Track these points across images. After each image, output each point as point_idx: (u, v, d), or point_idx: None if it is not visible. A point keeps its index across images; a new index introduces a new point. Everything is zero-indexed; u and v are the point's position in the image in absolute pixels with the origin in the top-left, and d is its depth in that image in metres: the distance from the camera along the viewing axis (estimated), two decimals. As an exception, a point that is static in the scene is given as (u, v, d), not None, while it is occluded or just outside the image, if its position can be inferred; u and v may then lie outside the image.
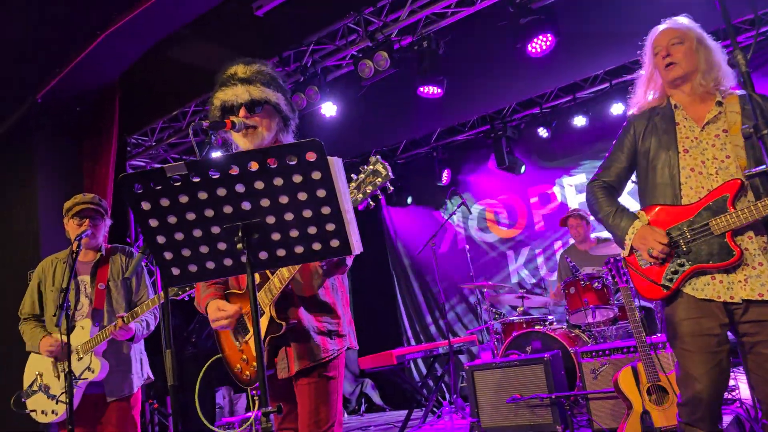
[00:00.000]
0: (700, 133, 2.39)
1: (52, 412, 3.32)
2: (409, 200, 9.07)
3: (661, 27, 2.52)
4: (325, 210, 1.64)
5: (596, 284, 4.92)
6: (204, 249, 1.70)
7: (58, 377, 3.35)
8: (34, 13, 5.49)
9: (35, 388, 3.40)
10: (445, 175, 8.52)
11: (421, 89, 5.98)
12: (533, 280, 8.04)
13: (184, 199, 1.63)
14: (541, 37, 5.40)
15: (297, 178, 1.60)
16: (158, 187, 1.61)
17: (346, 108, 6.61)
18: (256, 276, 2.13)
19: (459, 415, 5.73)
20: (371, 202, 1.99)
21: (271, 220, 1.65)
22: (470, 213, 8.39)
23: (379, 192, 1.98)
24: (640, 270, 2.43)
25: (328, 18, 6.04)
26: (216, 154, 1.68)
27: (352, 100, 6.59)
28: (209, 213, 1.65)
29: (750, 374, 2.32)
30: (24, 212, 6.69)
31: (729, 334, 2.32)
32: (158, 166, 1.74)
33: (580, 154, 7.80)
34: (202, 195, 1.62)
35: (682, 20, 2.51)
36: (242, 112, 2.22)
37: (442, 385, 7.40)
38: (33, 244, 6.36)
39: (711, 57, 2.42)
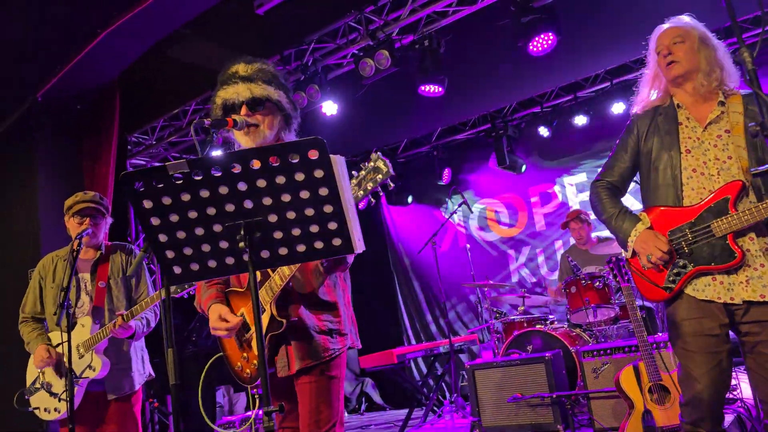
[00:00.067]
0: (702, 133, 2.39)
1: (55, 409, 3.32)
2: (410, 199, 9.06)
3: (664, 26, 2.52)
4: (328, 208, 1.63)
5: (597, 283, 4.92)
6: (206, 247, 1.69)
7: (60, 375, 3.35)
8: (34, 12, 5.48)
9: (38, 385, 3.40)
10: (446, 174, 8.50)
11: (422, 88, 5.98)
12: (534, 279, 8.04)
13: (186, 197, 1.62)
14: (542, 36, 5.41)
15: (299, 177, 1.59)
16: (160, 185, 1.60)
17: (346, 107, 6.61)
18: (258, 274, 2.12)
19: (460, 414, 5.72)
20: (372, 199, 1.99)
21: (273, 218, 1.65)
22: (471, 212, 8.40)
23: (379, 189, 1.97)
24: (643, 272, 2.43)
25: (329, 16, 6.04)
26: (217, 153, 1.68)
27: (353, 99, 6.58)
28: (211, 211, 1.64)
29: (751, 373, 2.33)
30: (24, 212, 6.68)
31: (730, 333, 2.33)
32: (159, 164, 1.73)
33: (581, 153, 7.79)
34: (204, 193, 1.61)
35: (686, 19, 2.51)
36: (244, 110, 2.21)
37: (443, 384, 7.40)
38: (33, 244, 6.35)
39: (713, 56, 2.41)
